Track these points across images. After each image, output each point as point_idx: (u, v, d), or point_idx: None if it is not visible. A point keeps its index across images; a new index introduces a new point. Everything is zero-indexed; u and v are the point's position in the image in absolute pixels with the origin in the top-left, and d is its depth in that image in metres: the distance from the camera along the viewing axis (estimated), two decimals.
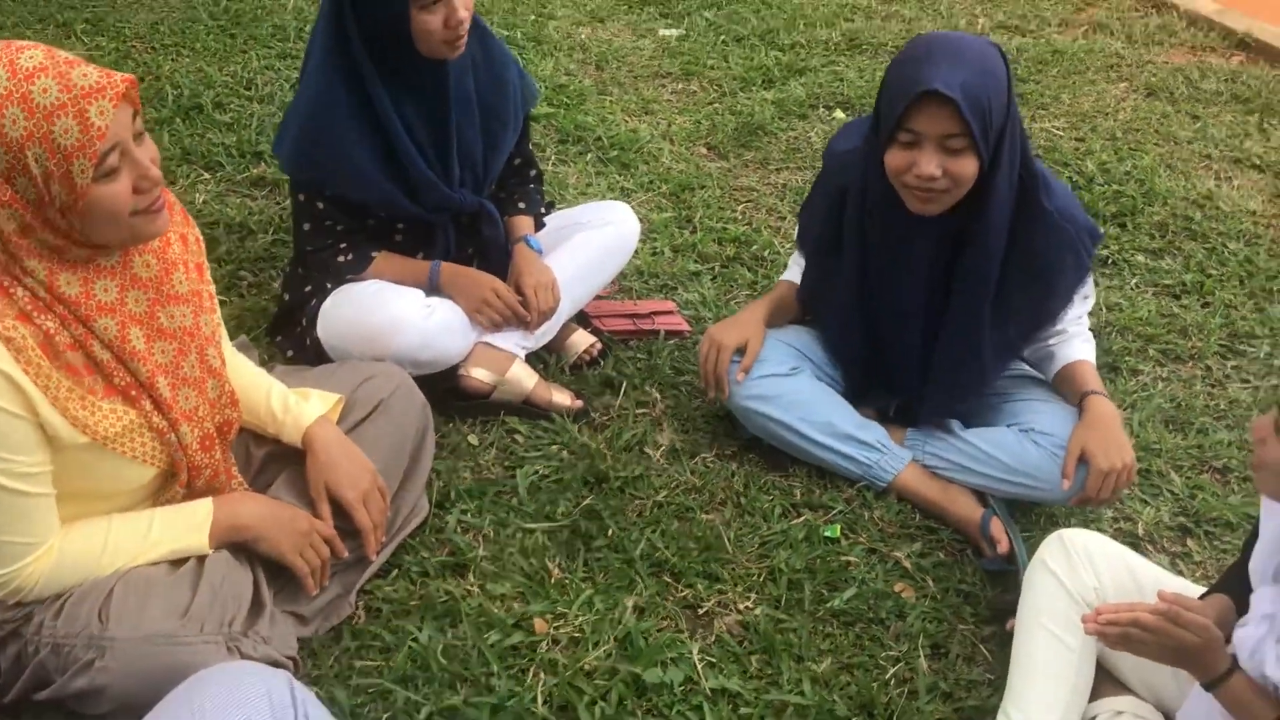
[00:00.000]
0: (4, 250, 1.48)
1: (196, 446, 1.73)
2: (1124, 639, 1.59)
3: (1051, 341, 2.30)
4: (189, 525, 1.73)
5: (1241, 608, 1.65)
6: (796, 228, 2.50)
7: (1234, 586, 1.77)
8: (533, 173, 2.62)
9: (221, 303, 2.66)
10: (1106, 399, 2.21)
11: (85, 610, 1.63)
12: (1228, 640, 1.60)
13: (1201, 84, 4.36)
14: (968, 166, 2.01)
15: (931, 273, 2.20)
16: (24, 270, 1.49)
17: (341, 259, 2.33)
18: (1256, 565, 1.62)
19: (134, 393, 1.62)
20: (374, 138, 2.23)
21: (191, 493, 1.79)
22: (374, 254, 2.36)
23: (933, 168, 2.00)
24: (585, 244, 2.54)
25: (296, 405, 1.95)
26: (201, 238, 1.83)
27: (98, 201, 1.47)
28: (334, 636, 1.92)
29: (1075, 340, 2.29)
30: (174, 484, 1.76)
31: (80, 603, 1.63)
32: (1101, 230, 2.27)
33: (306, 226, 2.32)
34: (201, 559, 1.74)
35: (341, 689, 1.82)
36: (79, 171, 1.43)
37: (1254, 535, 1.72)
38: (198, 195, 3.15)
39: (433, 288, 2.37)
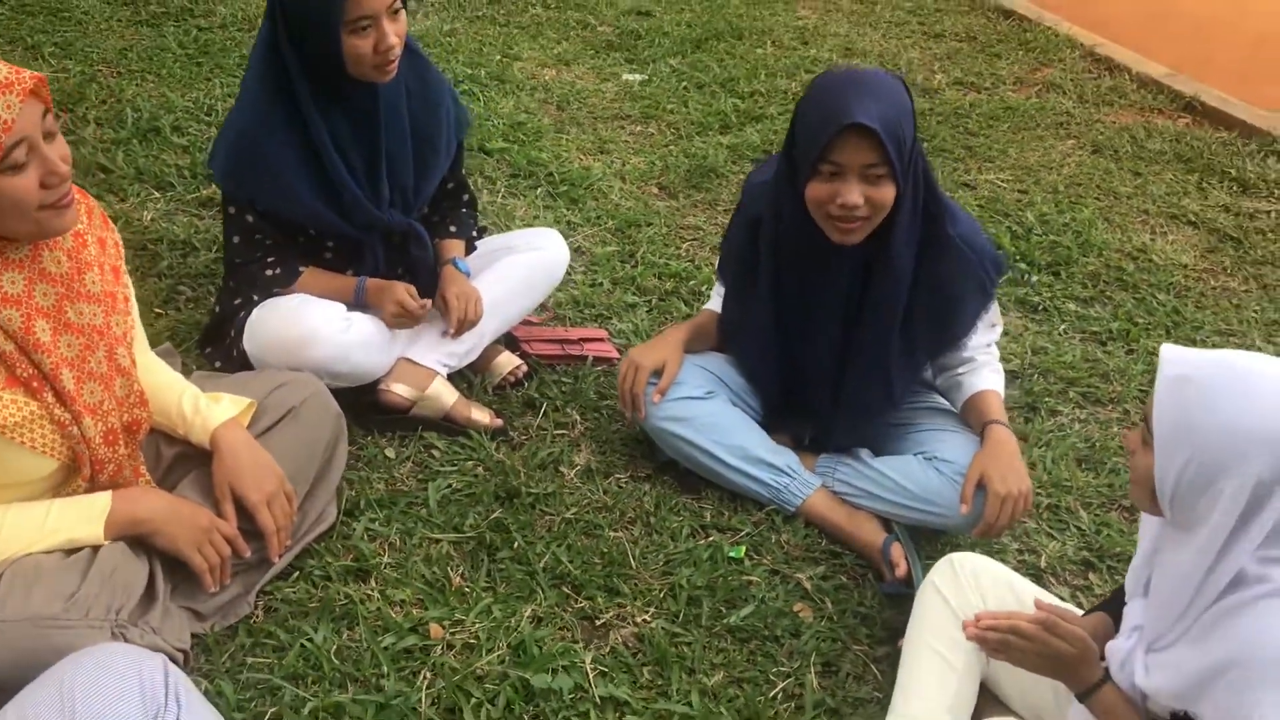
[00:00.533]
0: None
1: (100, 441, 1.76)
2: (1003, 645, 1.63)
3: (960, 370, 2.36)
4: (86, 516, 1.76)
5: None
6: (717, 258, 2.56)
7: (1115, 608, 1.82)
8: (465, 197, 2.69)
9: (158, 315, 2.73)
10: (1006, 428, 2.27)
11: None
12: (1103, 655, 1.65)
13: (1146, 143, 4.47)
14: (888, 193, 2.08)
15: (847, 298, 2.26)
16: None
17: (269, 272, 2.38)
18: (1130, 579, 1.67)
19: (36, 384, 1.66)
20: (305, 155, 2.29)
21: (94, 487, 1.82)
22: (301, 269, 2.41)
23: (856, 196, 2.06)
24: (513, 266, 2.60)
25: (207, 408, 2.00)
26: (120, 242, 1.88)
27: (4, 193, 1.52)
28: (230, 633, 1.95)
29: (983, 370, 2.35)
30: (76, 478, 1.80)
31: None
32: (1004, 260, 2.34)
33: (236, 240, 2.38)
34: (96, 549, 1.78)
35: (229, 683, 1.84)
36: None
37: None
38: (146, 213, 3.21)
39: (359, 303, 2.42)
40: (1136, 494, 1.57)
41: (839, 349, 2.30)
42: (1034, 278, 3.43)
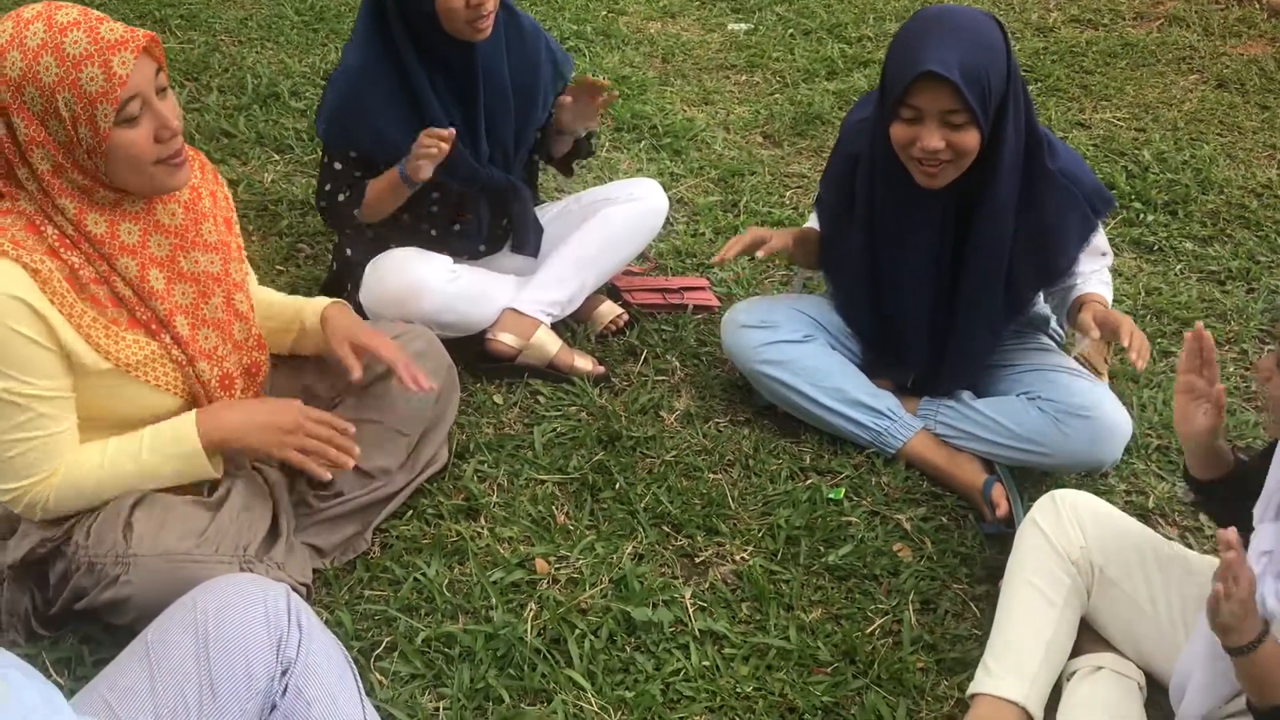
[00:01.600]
0: (40, 188, 1.65)
1: (215, 384, 1.88)
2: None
3: (1069, 286, 2.33)
4: (178, 450, 1.82)
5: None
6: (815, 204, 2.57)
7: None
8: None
9: (279, 272, 2.87)
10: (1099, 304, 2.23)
11: (110, 531, 1.79)
12: None
13: (1277, 75, 4.28)
14: (969, 139, 2.06)
15: (941, 242, 2.25)
16: (56, 208, 1.66)
17: (341, 197, 2.44)
18: (1260, 504, 1.62)
19: (154, 327, 1.79)
20: (408, 109, 2.37)
21: (205, 386, 1.91)
22: (366, 184, 2.45)
23: (935, 141, 2.06)
24: (611, 218, 2.65)
25: (314, 301, 2.12)
26: (230, 196, 1.99)
27: (119, 146, 1.63)
28: (348, 568, 2.07)
29: (1091, 280, 2.31)
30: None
31: (106, 524, 1.80)
32: (1113, 195, 2.29)
33: (327, 186, 2.46)
34: (226, 490, 1.90)
35: (348, 614, 1.96)
36: (102, 116, 1.60)
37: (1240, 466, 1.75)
38: (267, 175, 3.35)
39: (405, 178, 2.36)
40: (1272, 420, 1.53)
41: (936, 292, 2.30)
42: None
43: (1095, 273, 2.32)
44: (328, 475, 1.93)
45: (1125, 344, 2.08)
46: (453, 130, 2.29)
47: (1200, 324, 1.74)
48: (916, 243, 2.26)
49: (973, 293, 2.27)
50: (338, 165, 2.44)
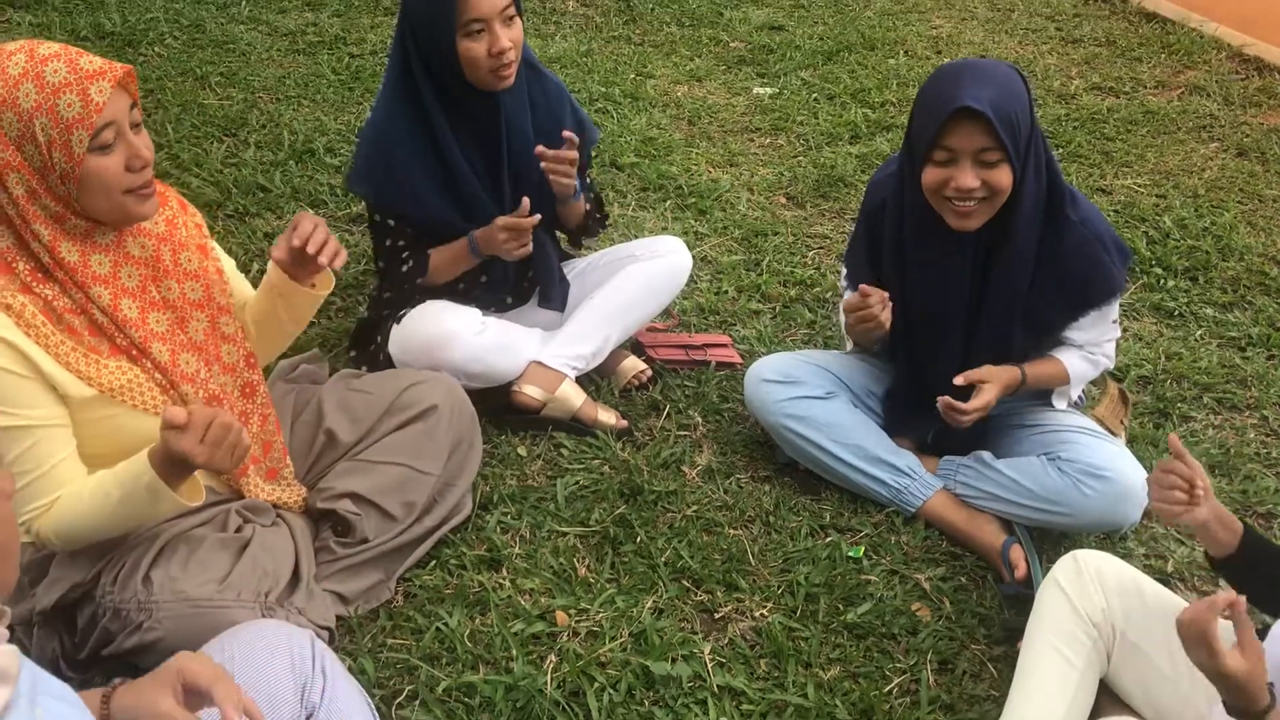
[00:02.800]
0: (16, 213, 1.70)
1: (200, 406, 1.89)
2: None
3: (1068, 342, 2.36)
4: (138, 482, 1.74)
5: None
6: (844, 270, 2.58)
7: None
8: (591, 195, 2.79)
9: (311, 323, 2.91)
10: (1023, 373, 2.31)
11: (133, 578, 1.83)
12: None
13: None
14: (1004, 177, 2.11)
15: (970, 288, 2.28)
16: (32, 234, 1.72)
17: (404, 267, 2.51)
18: None
19: (135, 353, 1.83)
20: (432, 160, 2.44)
21: None
22: (429, 252, 2.54)
23: (970, 180, 2.10)
24: (636, 274, 2.70)
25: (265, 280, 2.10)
26: (203, 222, 2.04)
27: (92, 172, 1.69)
28: (372, 616, 2.09)
29: (1073, 353, 2.35)
30: None
31: (129, 571, 1.84)
32: (1127, 246, 2.33)
33: (387, 243, 2.53)
34: (248, 539, 1.93)
35: (371, 661, 1.98)
36: (77, 141, 1.66)
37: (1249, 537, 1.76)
38: None
39: (475, 252, 2.49)
40: None
41: (963, 338, 2.32)
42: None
43: (1091, 347, 2.34)
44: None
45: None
46: (533, 217, 2.39)
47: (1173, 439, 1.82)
48: (946, 287, 2.28)
49: (989, 336, 2.30)
50: (391, 222, 2.50)
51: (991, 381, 2.25)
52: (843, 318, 2.52)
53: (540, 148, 2.44)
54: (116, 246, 1.83)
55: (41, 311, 1.73)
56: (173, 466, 1.71)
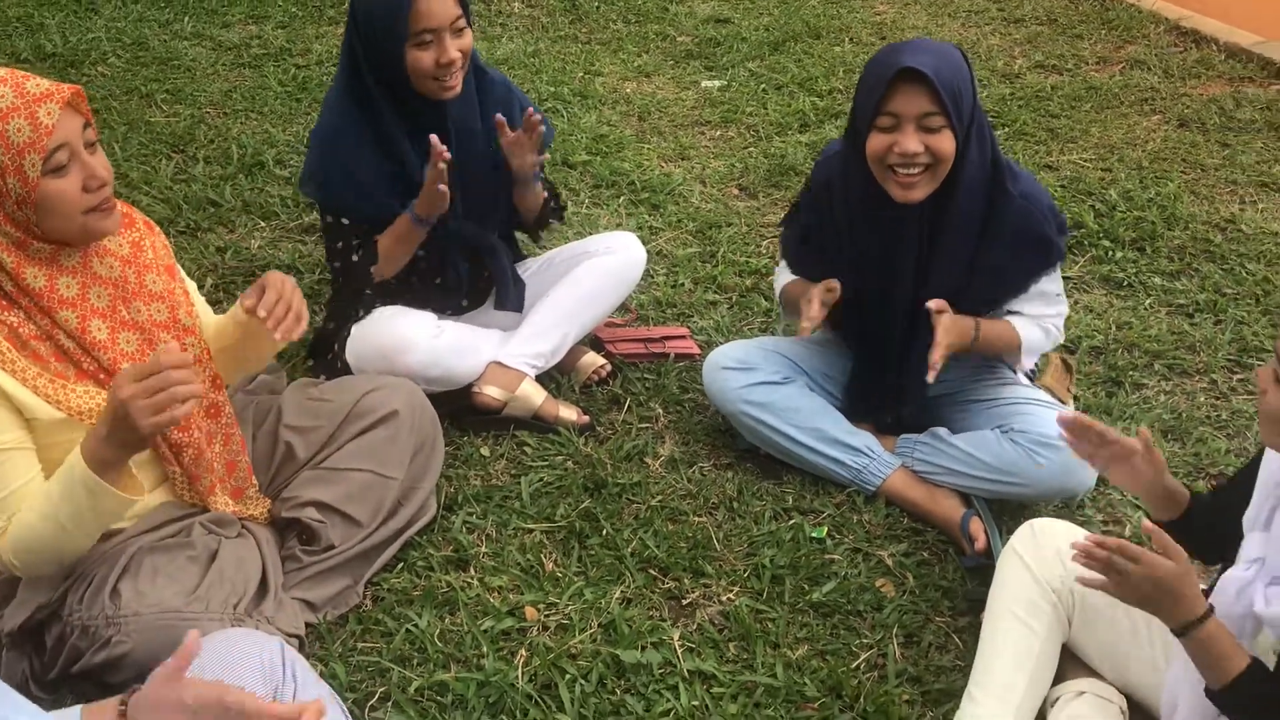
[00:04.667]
0: None
1: (172, 428, 1.88)
2: (1107, 568, 1.61)
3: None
4: (73, 480, 1.71)
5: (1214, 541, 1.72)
6: (779, 242, 2.60)
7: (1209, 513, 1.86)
8: (547, 183, 2.78)
9: None
10: (976, 324, 2.30)
11: (99, 594, 1.82)
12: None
13: (1236, 113, 4.40)
14: (946, 143, 2.14)
15: (915, 263, 2.31)
16: None
17: (355, 258, 2.50)
18: (1250, 513, 1.67)
19: (102, 377, 1.82)
20: (384, 160, 2.45)
21: (184, 471, 1.96)
22: (375, 239, 2.51)
23: (914, 144, 2.12)
24: (591, 271, 2.72)
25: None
26: (168, 244, 2.04)
27: (49, 195, 1.69)
28: (341, 621, 2.10)
29: (1022, 319, 2.36)
30: (160, 463, 1.94)
31: (95, 589, 1.83)
32: (1065, 215, 2.37)
33: (339, 244, 2.51)
34: (215, 552, 1.93)
35: (342, 665, 1.99)
36: (30, 165, 1.66)
37: (1241, 473, 1.80)
38: (253, 241, 3.42)
39: (417, 220, 2.43)
40: (1268, 430, 1.57)
41: (910, 314, 2.35)
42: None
43: (1037, 319, 2.36)
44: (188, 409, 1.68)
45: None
46: (443, 149, 2.31)
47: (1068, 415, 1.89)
48: (892, 263, 2.31)
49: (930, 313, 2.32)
50: (345, 221, 2.49)
51: (947, 315, 2.24)
52: (777, 285, 2.55)
53: (500, 118, 2.42)
54: (83, 268, 1.82)
55: (5, 338, 1.73)
56: (106, 458, 1.67)
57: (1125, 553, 1.59)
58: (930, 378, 2.20)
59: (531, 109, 2.45)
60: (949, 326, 2.22)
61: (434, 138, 2.31)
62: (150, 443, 1.74)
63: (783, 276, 2.58)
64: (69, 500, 1.72)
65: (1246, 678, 1.54)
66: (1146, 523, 1.68)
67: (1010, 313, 2.35)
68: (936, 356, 2.18)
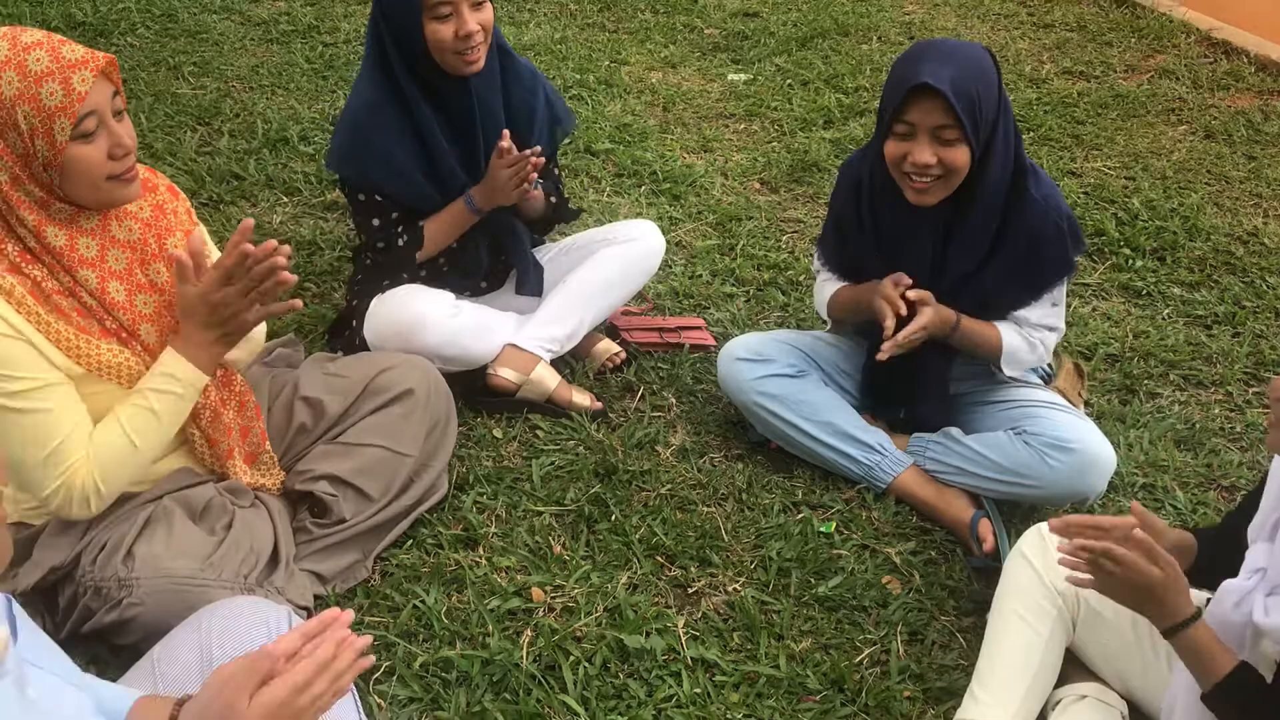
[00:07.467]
0: (1, 200, 1.72)
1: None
2: (1093, 568, 1.62)
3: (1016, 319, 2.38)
4: (179, 386, 1.86)
5: (1222, 569, 1.70)
6: (816, 250, 2.60)
7: (1216, 544, 1.84)
8: (555, 181, 2.81)
9: None
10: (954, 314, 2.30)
11: (113, 557, 1.85)
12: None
13: (1264, 126, 4.38)
14: (959, 156, 2.15)
15: (931, 264, 2.32)
16: (19, 220, 1.74)
17: (401, 241, 2.52)
18: (1256, 523, 1.67)
19: (124, 336, 1.85)
20: (411, 140, 2.46)
21: (199, 429, 1.98)
22: (421, 224, 2.55)
23: (926, 155, 2.14)
24: (610, 258, 2.72)
25: None
26: (192, 210, 2.06)
27: (74, 160, 1.71)
28: (349, 595, 2.11)
29: (1010, 327, 2.36)
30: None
31: (110, 551, 1.86)
32: (1084, 224, 2.37)
33: (376, 221, 2.52)
34: (230, 519, 1.96)
35: None
36: (59, 129, 1.68)
37: (1249, 497, 1.80)
38: (275, 216, 3.44)
39: (474, 209, 2.52)
40: (1276, 439, 1.58)
41: None
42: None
43: (1030, 327, 2.35)
44: (296, 304, 1.92)
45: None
46: (535, 149, 2.40)
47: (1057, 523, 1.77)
48: (909, 262, 2.32)
49: (950, 305, 2.33)
50: (378, 198, 2.50)
51: (930, 306, 2.25)
52: (822, 298, 2.55)
53: (508, 143, 2.44)
54: (102, 230, 1.84)
55: (30, 293, 1.75)
56: (216, 357, 1.89)
57: (1110, 556, 1.59)
58: (881, 356, 2.22)
59: (536, 154, 2.45)
60: (929, 314, 2.24)
61: (506, 134, 2.37)
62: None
63: (827, 288, 2.54)
64: (172, 406, 1.85)
65: (1234, 678, 1.54)
66: (1135, 505, 1.72)
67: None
68: (901, 337, 2.21)
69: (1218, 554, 1.81)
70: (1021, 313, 2.34)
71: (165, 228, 1.94)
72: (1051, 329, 2.37)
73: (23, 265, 1.75)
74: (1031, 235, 2.25)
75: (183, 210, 2.02)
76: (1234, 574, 1.72)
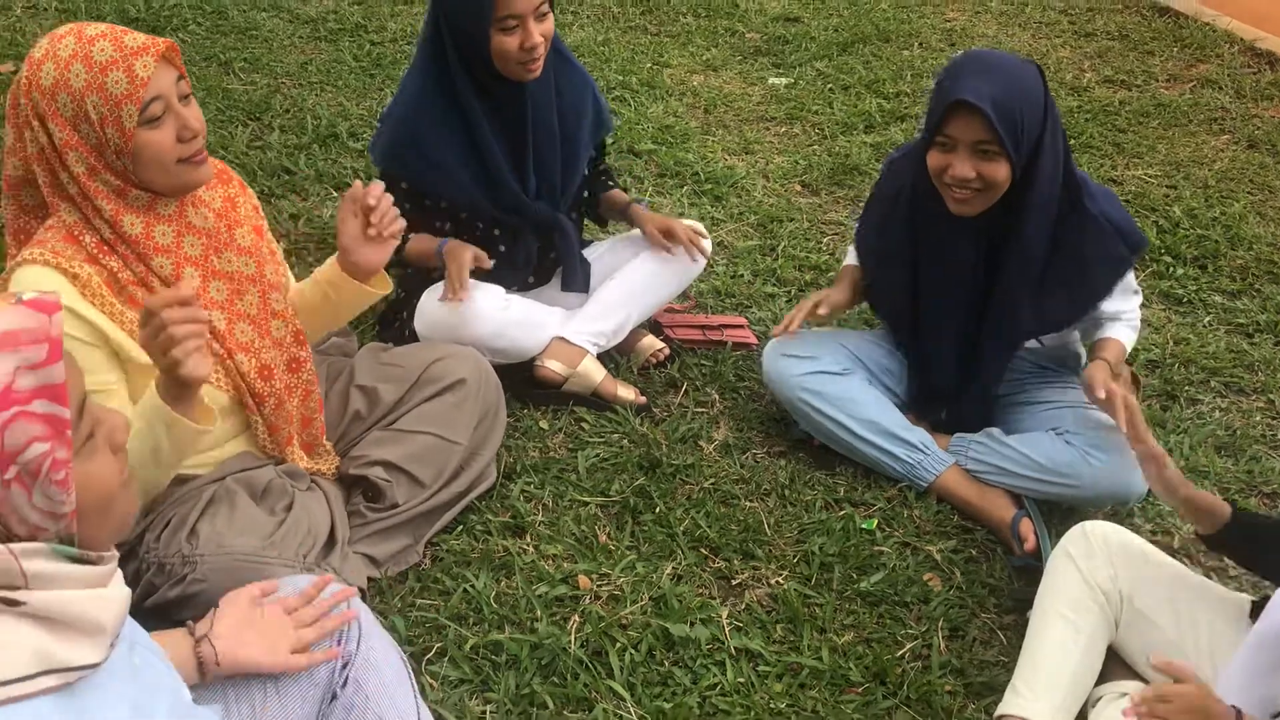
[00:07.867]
0: (79, 191, 1.78)
1: (255, 375, 1.98)
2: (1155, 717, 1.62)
3: (1097, 318, 2.43)
4: (154, 414, 1.75)
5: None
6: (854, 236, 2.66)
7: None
8: (610, 176, 2.89)
9: None
10: (1108, 362, 2.33)
11: (177, 534, 1.89)
12: None
13: None
14: (999, 171, 2.18)
15: (974, 268, 2.35)
16: (95, 210, 1.79)
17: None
18: None
19: None
20: (461, 140, 2.51)
21: (264, 422, 2.03)
22: (410, 236, 2.60)
23: (965, 169, 2.18)
24: (655, 256, 2.76)
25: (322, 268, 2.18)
26: (259, 206, 2.11)
27: (144, 145, 1.76)
28: (400, 578, 2.16)
29: (1118, 324, 2.43)
30: (242, 412, 2.02)
31: (174, 529, 1.91)
32: (1144, 235, 2.40)
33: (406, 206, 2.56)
34: (290, 501, 2.01)
35: (401, 620, 2.05)
36: (127, 115, 1.73)
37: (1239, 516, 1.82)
38: (325, 210, 3.50)
39: (438, 256, 2.56)
40: None
41: (968, 320, 2.39)
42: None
43: (1126, 315, 2.41)
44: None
45: (1114, 419, 2.14)
46: (466, 291, 2.50)
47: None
48: (953, 264, 2.36)
49: (997, 321, 2.37)
50: (413, 190, 2.55)
51: (1103, 374, 2.26)
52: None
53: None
54: (179, 217, 1.90)
55: (106, 283, 1.80)
56: (173, 392, 1.72)
57: (1158, 695, 1.60)
58: (1100, 394, 2.19)
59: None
60: (1104, 378, 2.23)
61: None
62: (200, 379, 1.73)
63: (848, 258, 2.65)
64: (151, 433, 1.77)
65: None
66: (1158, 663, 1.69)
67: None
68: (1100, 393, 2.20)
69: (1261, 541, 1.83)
70: (1110, 308, 2.39)
71: (235, 219, 2.00)
72: (1134, 306, 2.45)
73: (100, 256, 1.81)
74: (1086, 251, 2.29)
75: (250, 205, 2.07)
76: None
